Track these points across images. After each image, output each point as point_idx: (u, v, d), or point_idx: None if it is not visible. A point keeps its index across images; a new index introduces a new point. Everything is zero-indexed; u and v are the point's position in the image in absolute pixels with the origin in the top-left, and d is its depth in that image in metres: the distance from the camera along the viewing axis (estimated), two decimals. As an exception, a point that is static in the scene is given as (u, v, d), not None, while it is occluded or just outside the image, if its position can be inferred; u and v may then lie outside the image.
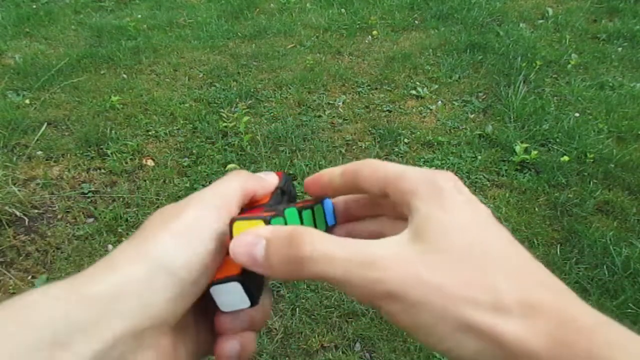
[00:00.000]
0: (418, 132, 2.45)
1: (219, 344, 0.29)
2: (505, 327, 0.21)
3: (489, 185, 2.15)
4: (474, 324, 0.21)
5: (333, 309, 1.63)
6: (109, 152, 2.31)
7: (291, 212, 0.29)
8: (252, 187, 0.32)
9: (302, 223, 0.30)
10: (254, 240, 0.25)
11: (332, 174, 0.30)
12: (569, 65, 2.99)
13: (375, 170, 0.27)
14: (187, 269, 0.26)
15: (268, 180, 0.33)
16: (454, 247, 0.23)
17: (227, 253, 0.26)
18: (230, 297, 0.27)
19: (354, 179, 0.29)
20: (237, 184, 0.31)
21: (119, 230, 1.91)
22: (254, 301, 0.27)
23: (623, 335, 0.21)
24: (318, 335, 1.55)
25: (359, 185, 0.28)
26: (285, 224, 0.28)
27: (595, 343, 0.20)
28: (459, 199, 0.25)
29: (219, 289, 0.27)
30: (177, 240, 0.26)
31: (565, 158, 2.23)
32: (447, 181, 0.25)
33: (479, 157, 2.29)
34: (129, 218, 1.97)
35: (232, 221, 0.27)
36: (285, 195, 0.35)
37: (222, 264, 0.28)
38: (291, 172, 2.20)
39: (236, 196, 0.30)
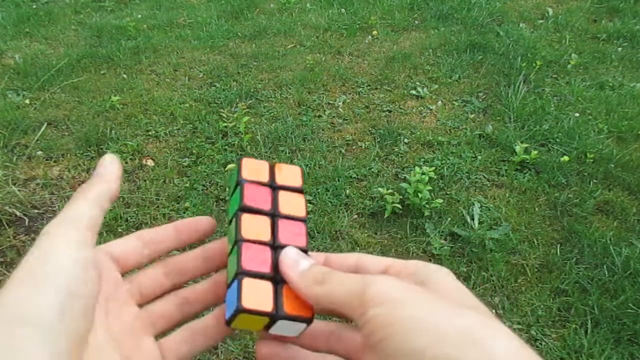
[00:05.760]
0: (418, 132, 2.45)
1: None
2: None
3: (489, 185, 2.15)
4: (463, 327, 0.23)
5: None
6: (109, 152, 2.30)
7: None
8: (103, 195, 0.31)
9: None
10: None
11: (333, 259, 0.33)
12: (569, 65, 2.99)
13: (376, 257, 0.32)
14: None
15: (106, 176, 0.32)
16: (447, 293, 0.27)
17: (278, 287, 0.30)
18: (286, 328, 0.30)
19: (357, 263, 0.32)
20: (85, 206, 0.30)
21: (119, 230, 1.91)
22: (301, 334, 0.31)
23: None
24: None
25: (362, 269, 0.32)
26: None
27: None
28: (454, 282, 0.29)
29: (286, 324, 0.30)
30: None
31: (565, 158, 2.23)
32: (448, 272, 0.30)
33: (479, 157, 2.29)
34: (129, 218, 1.97)
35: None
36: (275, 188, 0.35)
37: (285, 296, 0.30)
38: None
39: (89, 216, 0.29)
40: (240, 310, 0.29)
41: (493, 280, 1.72)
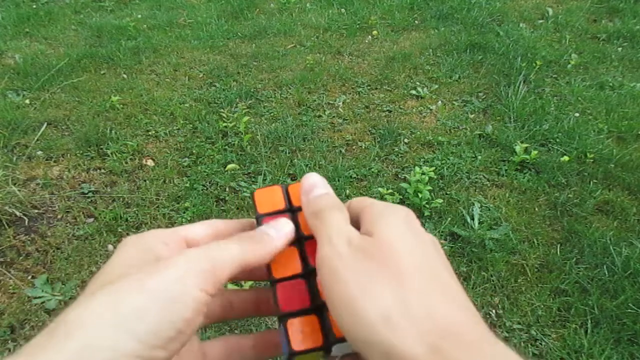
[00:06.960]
0: (418, 132, 2.45)
1: None
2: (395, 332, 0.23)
3: (489, 185, 2.15)
4: (368, 320, 0.24)
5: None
6: (109, 152, 2.31)
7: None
8: (252, 259, 0.29)
9: None
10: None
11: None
12: (569, 65, 2.99)
13: (361, 199, 0.33)
14: (157, 335, 0.24)
15: (271, 247, 0.30)
16: (388, 253, 0.27)
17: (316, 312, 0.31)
18: (344, 347, 0.30)
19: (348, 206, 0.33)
20: (237, 253, 0.28)
21: (119, 230, 1.91)
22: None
23: (506, 354, 0.23)
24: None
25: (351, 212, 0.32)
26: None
27: (477, 356, 0.22)
28: (412, 226, 0.29)
29: (341, 345, 0.30)
30: (151, 301, 0.24)
31: (565, 158, 2.23)
32: (403, 211, 0.30)
33: (479, 157, 2.29)
34: (129, 218, 1.97)
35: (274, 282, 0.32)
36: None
37: (332, 320, 0.29)
38: (291, 172, 2.20)
39: (231, 266, 0.28)
40: (293, 355, 0.29)
41: (493, 280, 1.72)
